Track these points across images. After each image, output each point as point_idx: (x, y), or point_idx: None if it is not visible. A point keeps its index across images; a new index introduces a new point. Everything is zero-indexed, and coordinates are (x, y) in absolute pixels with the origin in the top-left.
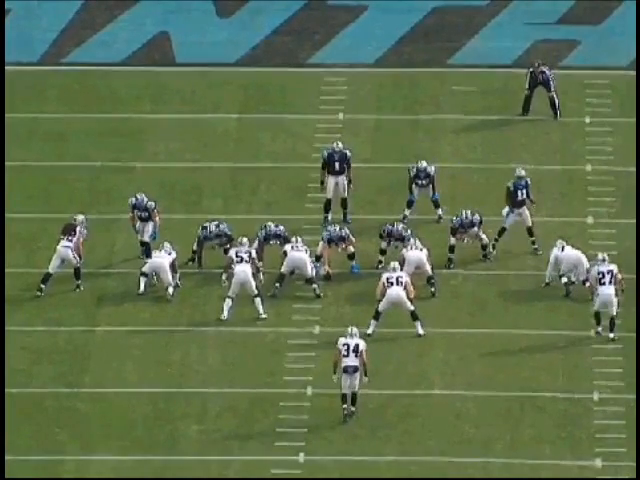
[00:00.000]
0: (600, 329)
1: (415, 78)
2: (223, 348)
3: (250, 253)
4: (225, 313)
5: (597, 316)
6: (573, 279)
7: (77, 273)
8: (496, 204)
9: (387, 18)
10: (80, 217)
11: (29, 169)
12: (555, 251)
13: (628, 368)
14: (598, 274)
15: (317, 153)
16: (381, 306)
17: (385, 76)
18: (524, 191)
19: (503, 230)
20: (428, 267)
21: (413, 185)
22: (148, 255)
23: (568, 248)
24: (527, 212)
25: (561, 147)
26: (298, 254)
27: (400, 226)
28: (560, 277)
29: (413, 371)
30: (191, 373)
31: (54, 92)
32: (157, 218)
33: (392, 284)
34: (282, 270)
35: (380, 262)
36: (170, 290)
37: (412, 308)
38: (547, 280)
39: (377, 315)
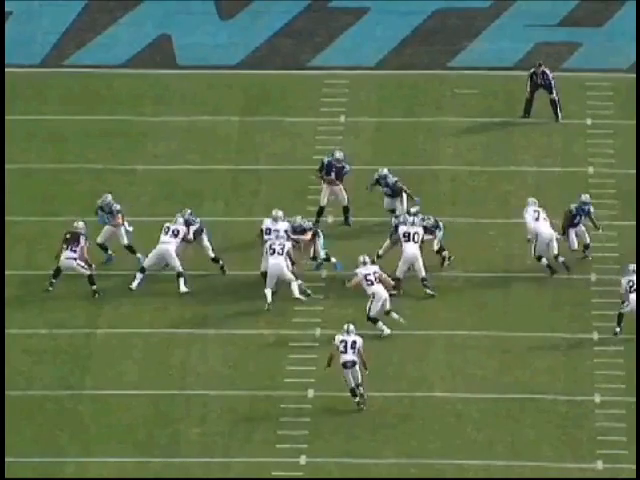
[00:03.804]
0: (618, 330)
1: (416, 80)
2: (224, 350)
3: (284, 246)
4: (269, 300)
5: (620, 318)
6: (556, 252)
7: (91, 280)
8: (496, 207)
9: (388, 20)
10: (81, 224)
11: (30, 171)
12: (528, 218)
13: (629, 370)
14: (628, 282)
15: (318, 155)
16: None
17: (386, 78)
18: (583, 216)
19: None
20: (420, 263)
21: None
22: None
23: (542, 219)
24: (583, 229)
25: (562, 149)
26: (274, 261)
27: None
28: (539, 259)
29: (414, 373)
30: (192, 375)
31: (55, 94)
32: (120, 221)
33: (372, 282)
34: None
35: (379, 256)
36: (181, 283)
37: (389, 307)
38: (534, 254)
39: (375, 321)
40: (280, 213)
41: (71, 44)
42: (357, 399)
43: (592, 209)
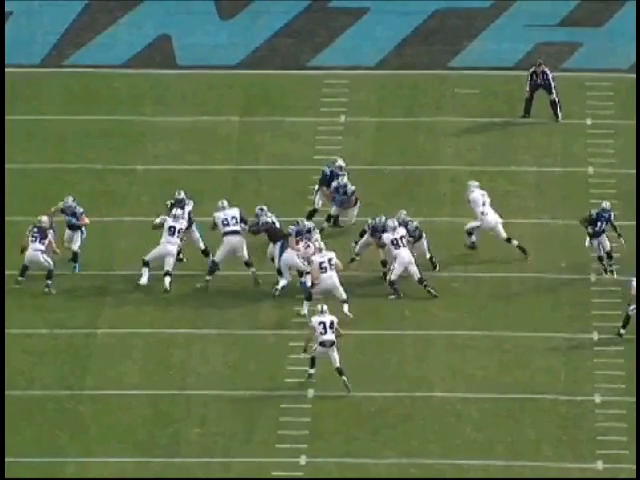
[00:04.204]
0: (623, 332)
1: (416, 80)
2: (224, 350)
3: (331, 258)
4: (280, 285)
5: (627, 320)
6: (504, 236)
7: (49, 275)
8: (496, 207)
9: (388, 20)
10: (45, 218)
11: (30, 171)
12: (477, 198)
13: (629, 370)
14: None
15: (318, 155)
16: (314, 291)
17: (386, 78)
18: (604, 223)
19: (600, 259)
20: (414, 266)
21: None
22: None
23: (487, 205)
24: (605, 237)
25: (562, 149)
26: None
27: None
28: (469, 234)
29: (414, 373)
30: (192, 375)
31: (55, 94)
32: (87, 221)
33: (326, 269)
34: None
35: (353, 259)
36: (167, 280)
37: (344, 296)
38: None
39: (310, 296)
40: (225, 203)
41: (71, 44)
42: (344, 377)
43: (613, 216)
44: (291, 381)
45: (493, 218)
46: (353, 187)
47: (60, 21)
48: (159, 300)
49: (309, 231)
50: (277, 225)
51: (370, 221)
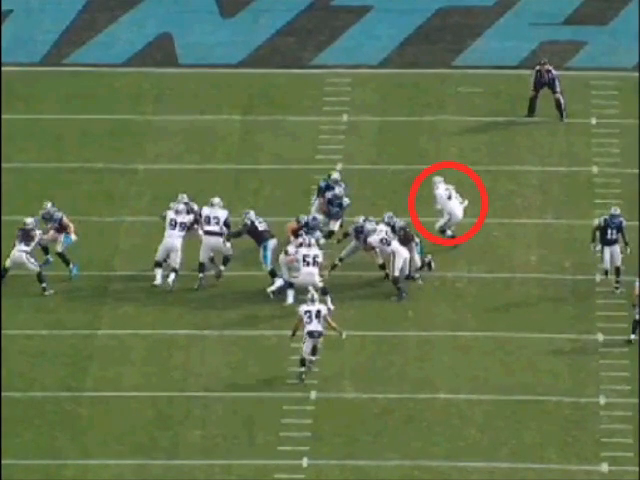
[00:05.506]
0: (633, 337)
1: (419, 79)
2: (225, 351)
3: (316, 255)
4: (273, 288)
5: (635, 324)
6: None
7: (40, 278)
8: (500, 206)
9: (391, 19)
10: (29, 220)
11: (29, 171)
12: (441, 194)
13: (634, 372)
14: None
15: (320, 155)
16: (294, 280)
17: (389, 77)
18: (614, 231)
19: (606, 273)
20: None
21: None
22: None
23: (454, 198)
24: (618, 251)
25: (567, 149)
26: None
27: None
28: (442, 232)
29: (417, 375)
30: (193, 377)
31: (55, 93)
32: (71, 225)
33: (309, 264)
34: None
35: (335, 265)
36: (171, 278)
37: (321, 284)
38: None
39: (292, 285)
40: (217, 200)
41: (71, 43)
42: (303, 369)
43: (624, 223)
44: (293, 382)
45: (461, 214)
46: (348, 201)
47: (60, 19)
48: (159, 301)
49: (314, 228)
50: (260, 227)
51: (358, 225)
